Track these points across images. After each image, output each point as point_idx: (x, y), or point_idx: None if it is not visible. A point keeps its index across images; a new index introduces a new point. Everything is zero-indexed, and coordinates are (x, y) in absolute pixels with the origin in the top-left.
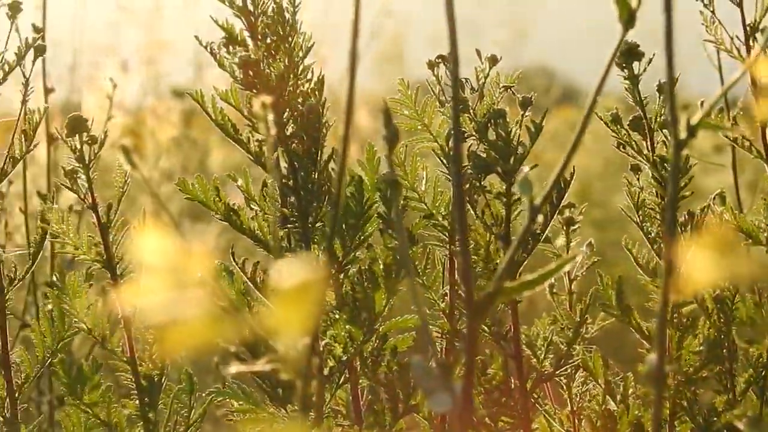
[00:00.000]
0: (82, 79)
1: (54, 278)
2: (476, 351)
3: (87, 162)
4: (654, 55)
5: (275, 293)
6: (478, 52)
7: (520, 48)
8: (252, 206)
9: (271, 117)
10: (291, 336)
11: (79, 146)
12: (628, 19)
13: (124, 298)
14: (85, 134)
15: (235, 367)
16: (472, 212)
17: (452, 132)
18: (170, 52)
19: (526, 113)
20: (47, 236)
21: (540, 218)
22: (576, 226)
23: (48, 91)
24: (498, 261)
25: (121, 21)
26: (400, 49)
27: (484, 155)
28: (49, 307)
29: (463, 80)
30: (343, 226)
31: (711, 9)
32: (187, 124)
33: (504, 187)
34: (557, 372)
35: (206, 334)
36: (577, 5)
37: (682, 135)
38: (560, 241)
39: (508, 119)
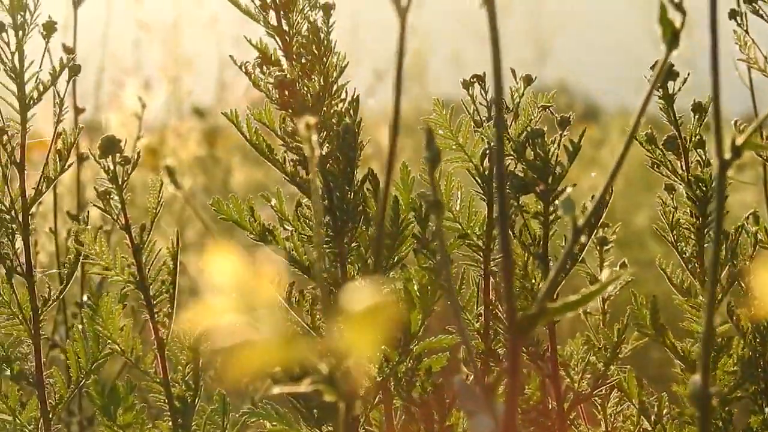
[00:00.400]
0: (106, 97)
1: (86, 299)
2: (519, 372)
3: (120, 183)
4: (688, 74)
5: (346, 317)
6: (513, 72)
7: (541, 66)
8: (285, 226)
9: (315, 137)
10: (361, 359)
11: (112, 167)
12: (672, 39)
13: (157, 319)
14: (118, 155)
15: (278, 388)
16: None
17: (494, 152)
18: (192, 70)
19: (565, 132)
20: (81, 257)
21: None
22: (609, 246)
23: (78, 110)
24: (534, 280)
25: (143, 39)
26: (422, 66)
27: (522, 175)
28: (80, 326)
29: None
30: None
31: (744, 28)
32: (208, 143)
33: (542, 207)
34: (594, 392)
35: (274, 358)
36: (594, 23)
37: (727, 155)
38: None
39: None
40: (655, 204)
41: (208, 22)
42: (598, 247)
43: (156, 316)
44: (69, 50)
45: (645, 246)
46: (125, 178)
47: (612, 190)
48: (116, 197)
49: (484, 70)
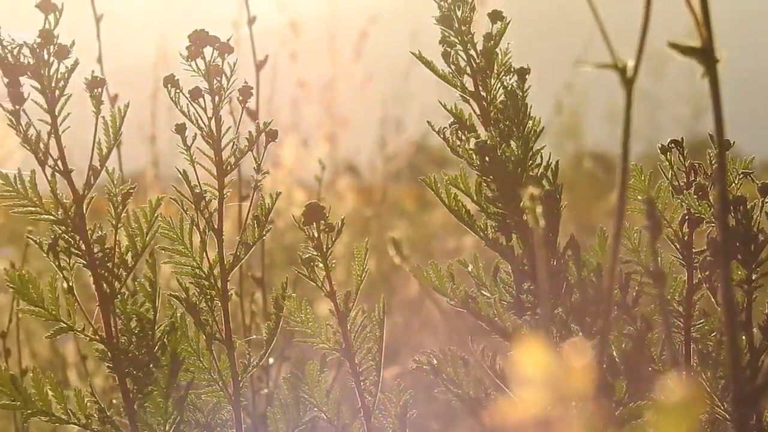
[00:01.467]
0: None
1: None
2: None
3: (324, 250)
4: None
5: (658, 409)
6: (711, 137)
7: (696, 122)
8: (483, 292)
9: (539, 209)
10: None
11: (316, 234)
12: None
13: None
14: (322, 222)
15: None
16: (712, 299)
17: (693, 219)
18: (349, 128)
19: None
20: (280, 323)
21: None
22: None
23: (263, 173)
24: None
25: (301, 97)
26: (579, 123)
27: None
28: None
29: (696, 165)
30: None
31: None
32: (364, 200)
33: (744, 274)
34: None
35: None
36: (750, 79)
37: None
38: None
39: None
40: None
41: (364, 79)
42: None
43: (362, 384)
44: (253, 114)
45: None
46: (330, 246)
47: None
48: (320, 264)
49: (638, 125)
